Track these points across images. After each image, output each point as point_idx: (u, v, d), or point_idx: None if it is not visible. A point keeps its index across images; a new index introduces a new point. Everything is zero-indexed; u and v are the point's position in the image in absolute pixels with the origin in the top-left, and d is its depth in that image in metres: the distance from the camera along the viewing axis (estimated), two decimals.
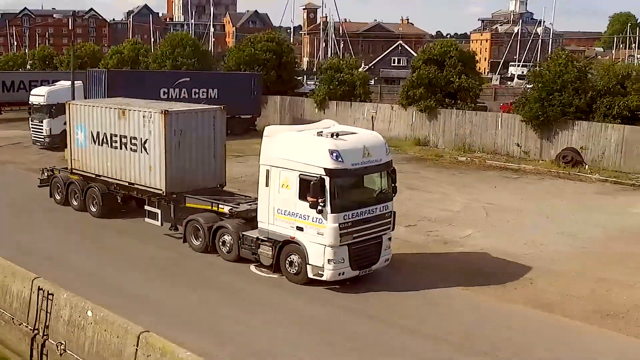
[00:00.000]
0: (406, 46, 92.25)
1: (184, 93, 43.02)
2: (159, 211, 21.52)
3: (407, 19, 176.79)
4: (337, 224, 16.27)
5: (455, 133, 41.56)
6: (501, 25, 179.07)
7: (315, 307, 15.99)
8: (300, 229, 16.84)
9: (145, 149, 21.78)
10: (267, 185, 17.53)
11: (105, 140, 23.31)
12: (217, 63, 66.17)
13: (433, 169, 35.03)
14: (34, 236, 21.60)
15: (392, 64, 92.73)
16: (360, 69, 50.65)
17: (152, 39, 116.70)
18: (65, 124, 36.44)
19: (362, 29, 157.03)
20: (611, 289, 17.24)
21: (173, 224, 21.32)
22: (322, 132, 17.22)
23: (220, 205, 19.90)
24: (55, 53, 77.10)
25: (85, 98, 37.91)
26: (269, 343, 13.76)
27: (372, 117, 45.71)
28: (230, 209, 19.60)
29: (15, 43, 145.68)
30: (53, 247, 20.31)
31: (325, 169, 16.20)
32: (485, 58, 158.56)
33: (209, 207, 20.17)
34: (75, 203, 24.86)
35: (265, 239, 17.87)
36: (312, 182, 16.22)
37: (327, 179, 16.14)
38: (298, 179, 16.69)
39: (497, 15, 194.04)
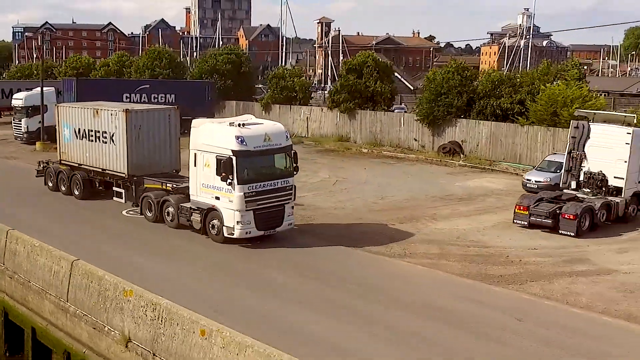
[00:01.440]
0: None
1: (144, 98, 50.95)
2: (123, 191, 26.47)
3: (418, 32, 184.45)
4: (243, 193, 20.82)
5: (369, 130, 49.16)
6: (508, 38, 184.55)
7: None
8: (217, 198, 21.45)
9: (113, 141, 26.45)
10: (195, 165, 22.20)
11: (84, 135, 27.93)
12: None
13: (331, 157, 42.58)
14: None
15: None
16: (302, 77, 58.23)
17: None
18: (39, 122, 45.43)
19: (373, 41, 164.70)
20: (360, 227, 24.75)
21: (134, 201, 25.83)
22: (233, 123, 21.74)
23: (167, 184, 24.71)
24: (57, 64, 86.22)
25: (56, 102, 46.22)
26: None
27: (307, 118, 53.69)
28: (172, 186, 24.38)
29: (35, 55, 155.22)
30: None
31: (232, 150, 20.79)
32: (493, 70, 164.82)
33: (160, 186, 24.96)
34: (63, 188, 29.30)
35: (196, 208, 22.43)
36: (223, 161, 20.85)
37: (234, 158, 20.73)
38: (215, 159, 21.22)
39: (506, 29, 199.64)
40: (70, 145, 28.96)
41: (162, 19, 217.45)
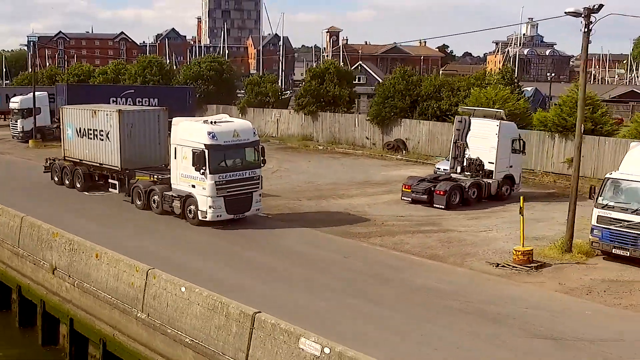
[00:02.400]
0: (365, 65, 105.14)
1: (129, 102, 56.58)
2: (117, 182, 29.95)
3: (425, 42, 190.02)
4: (214, 182, 23.83)
5: (329, 130, 54.65)
6: (513, 47, 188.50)
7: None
8: (193, 186, 24.49)
9: (109, 138, 29.63)
10: (175, 158, 25.36)
11: (84, 133, 31.05)
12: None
13: (287, 153, 48.02)
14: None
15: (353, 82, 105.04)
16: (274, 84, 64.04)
17: (169, 60, 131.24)
18: (33, 123, 51.37)
19: (380, 51, 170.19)
20: (274, 202, 30.01)
21: (126, 191, 28.73)
22: (207, 120, 24.97)
23: (154, 175, 27.91)
24: (60, 71, 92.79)
25: (49, 105, 52.37)
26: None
27: (277, 119, 59.32)
28: (157, 177, 27.63)
29: (48, 64, 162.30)
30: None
31: (204, 144, 23.76)
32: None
33: (148, 178, 28.20)
34: (67, 182, 32.34)
35: (176, 195, 25.45)
36: (197, 154, 23.84)
37: (206, 151, 23.73)
38: (191, 152, 24.15)
39: (512, 38, 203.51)
40: (72, 143, 32.24)
41: (173, 29, 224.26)
